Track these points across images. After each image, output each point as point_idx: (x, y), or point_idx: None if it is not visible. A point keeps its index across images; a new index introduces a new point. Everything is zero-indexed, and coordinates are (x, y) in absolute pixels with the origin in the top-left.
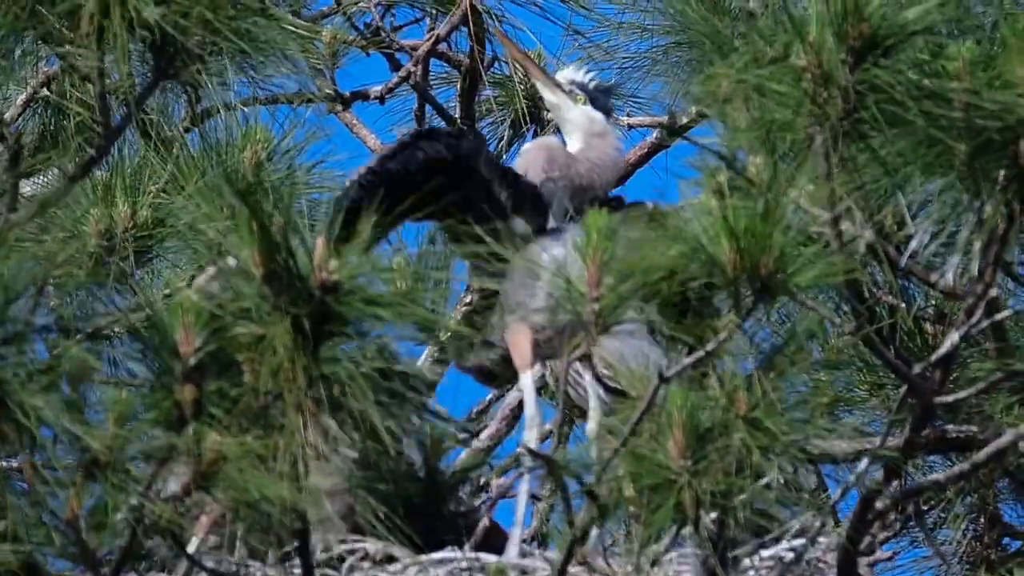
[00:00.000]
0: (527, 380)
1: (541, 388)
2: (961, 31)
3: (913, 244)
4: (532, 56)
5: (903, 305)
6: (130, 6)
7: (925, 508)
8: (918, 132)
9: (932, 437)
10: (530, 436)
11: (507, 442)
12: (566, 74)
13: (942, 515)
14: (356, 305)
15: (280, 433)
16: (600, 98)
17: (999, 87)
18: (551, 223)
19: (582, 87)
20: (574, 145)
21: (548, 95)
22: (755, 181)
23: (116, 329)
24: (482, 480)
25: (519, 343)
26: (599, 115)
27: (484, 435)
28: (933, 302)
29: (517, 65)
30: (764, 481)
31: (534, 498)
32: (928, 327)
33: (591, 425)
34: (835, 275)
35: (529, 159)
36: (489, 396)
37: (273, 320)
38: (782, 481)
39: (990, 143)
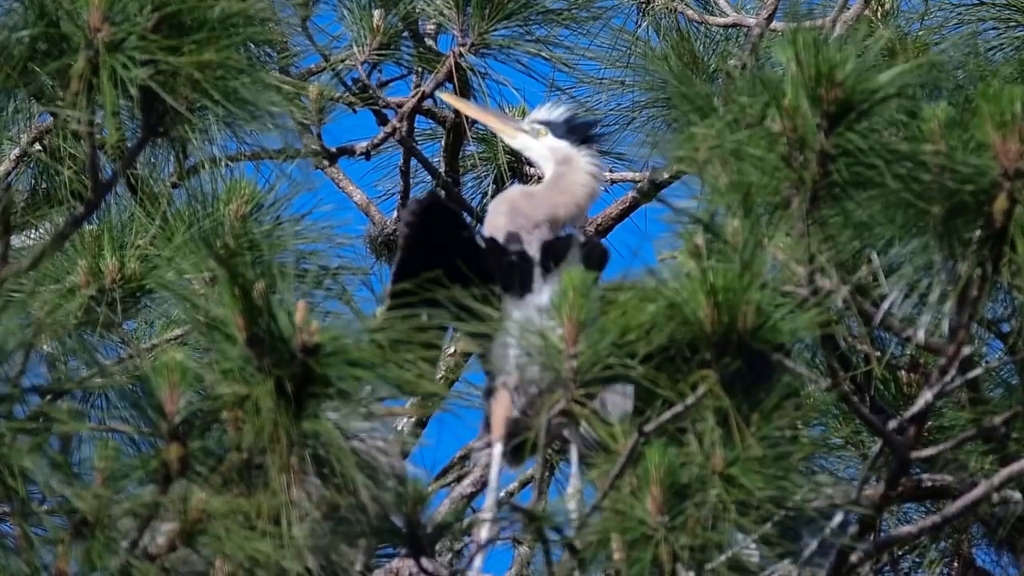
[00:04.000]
0: (497, 450)
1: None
2: (936, 91)
3: (886, 305)
4: (488, 110)
5: (877, 354)
6: (119, 65)
7: (899, 553)
8: (892, 195)
9: (908, 486)
10: (489, 502)
11: None
12: (530, 116)
13: (917, 560)
14: (338, 367)
15: (264, 491)
16: (561, 127)
17: (972, 149)
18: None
19: (544, 122)
20: (545, 180)
21: (510, 141)
22: (732, 243)
23: (103, 387)
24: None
25: (497, 412)
26: (561, 143)
27: (467, 481)
28: (908, 351)
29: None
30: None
31: (516, 542)
32: (903, 375)
33: (573, 485)
34: (811, 328)
35: (492, 216)
36: (472, 443)
37: (256, 381)
38: (758, 535)
39: (964, 205)
